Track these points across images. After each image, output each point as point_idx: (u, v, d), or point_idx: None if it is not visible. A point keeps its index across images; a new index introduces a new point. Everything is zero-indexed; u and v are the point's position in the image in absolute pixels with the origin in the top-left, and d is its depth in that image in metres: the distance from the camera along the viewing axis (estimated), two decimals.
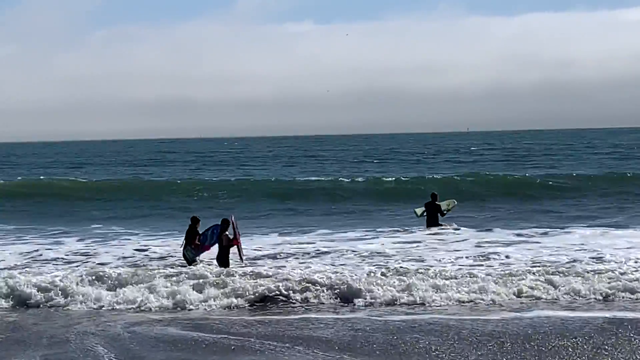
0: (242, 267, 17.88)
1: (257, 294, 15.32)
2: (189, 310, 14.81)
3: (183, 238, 19.13)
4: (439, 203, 25.03)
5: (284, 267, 17.98)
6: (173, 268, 17.81)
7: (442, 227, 24.42)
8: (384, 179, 42.45)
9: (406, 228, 24.81)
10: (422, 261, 18.78)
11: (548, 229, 24.04)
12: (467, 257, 19.14)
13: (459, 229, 24.20)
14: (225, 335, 12.77)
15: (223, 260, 18.10)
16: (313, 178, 45.25)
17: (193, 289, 15.54)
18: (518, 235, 23.02)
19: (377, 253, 20.01)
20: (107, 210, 32.53)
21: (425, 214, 25.09)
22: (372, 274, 16.55)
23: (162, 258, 19.80)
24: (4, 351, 11.94)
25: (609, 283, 15.69)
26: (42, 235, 24.49)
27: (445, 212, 25.07)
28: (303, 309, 14.77)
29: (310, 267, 17.91)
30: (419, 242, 21.97)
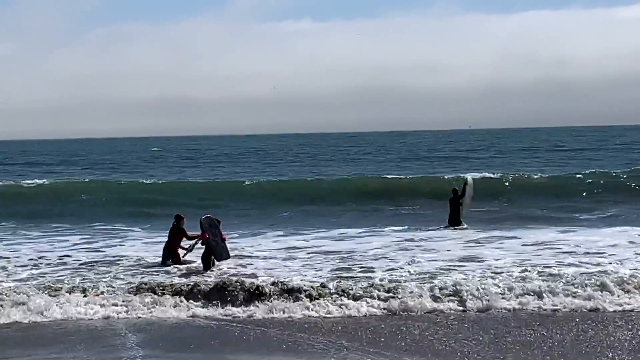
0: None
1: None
2: None
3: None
4: (462, 199, 25.25)
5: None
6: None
7: (462, 227, 24.76)
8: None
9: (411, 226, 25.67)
10: (395, 261, 19.26)
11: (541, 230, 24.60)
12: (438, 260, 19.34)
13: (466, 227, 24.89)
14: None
15: (204, 257, 18.74)
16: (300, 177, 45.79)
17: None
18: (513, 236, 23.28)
19: (350, 253, 20.46)
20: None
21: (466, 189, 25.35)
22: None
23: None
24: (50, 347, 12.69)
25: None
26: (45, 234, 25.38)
27: (463, 193, 25.24)
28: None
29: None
30: (411, 240, 22.73)
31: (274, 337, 13.01)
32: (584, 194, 35.38)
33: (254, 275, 17.75)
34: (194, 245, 19.44)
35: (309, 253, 20.95)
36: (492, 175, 40.25)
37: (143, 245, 22.68)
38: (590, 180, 38.12)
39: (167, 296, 15.30)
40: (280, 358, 11.83)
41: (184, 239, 19.60)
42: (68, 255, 21.04)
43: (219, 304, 14.90)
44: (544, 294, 15.13)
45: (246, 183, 40.26)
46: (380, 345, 12.45)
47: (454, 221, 25.17)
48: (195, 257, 19.51)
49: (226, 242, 19.69)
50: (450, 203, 25.57)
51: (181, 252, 19.47)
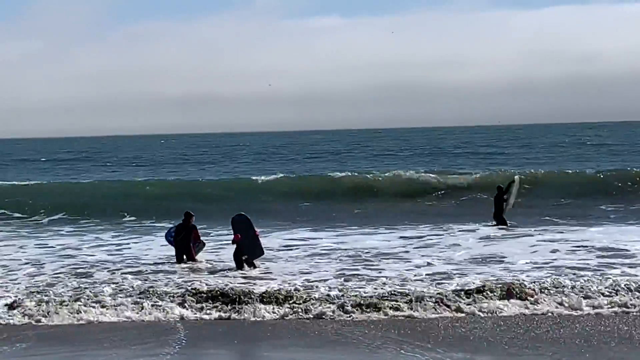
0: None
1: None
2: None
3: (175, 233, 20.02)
4: (506, 195, 25.67)
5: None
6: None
7: (507, 226, 25.03)
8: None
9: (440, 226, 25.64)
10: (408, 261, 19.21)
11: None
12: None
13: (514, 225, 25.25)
14: None
15: (236, 256, 18.91)
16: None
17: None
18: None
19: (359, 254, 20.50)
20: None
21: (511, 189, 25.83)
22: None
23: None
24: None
25: None
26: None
27: (506, 191, 25.71)
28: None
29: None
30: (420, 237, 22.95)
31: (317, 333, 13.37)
32: (612, 190, 35.03)
33: (282, 274, 17.94)
34: (200, 245, 20.09)
35: (330, 250, 21.21)
36: (518, 171, 39.72)
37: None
38: (617, 176, 37.79)
39: (191, 298, 15.39)
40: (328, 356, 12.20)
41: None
42: (95, 254, 21.64)
43: (256, 305, 14.96)
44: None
45: (270, 179, 40.12)
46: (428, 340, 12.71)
47: (499, 219, 25.45)
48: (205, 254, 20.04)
49: (259, 238, 19.72)
50: (495, 200, 25.86)
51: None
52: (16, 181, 43.20)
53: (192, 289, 15.88)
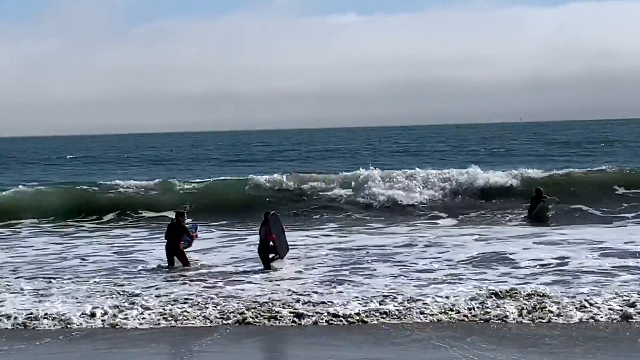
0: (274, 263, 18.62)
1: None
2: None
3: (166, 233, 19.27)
4: (544, 198, 27.14)
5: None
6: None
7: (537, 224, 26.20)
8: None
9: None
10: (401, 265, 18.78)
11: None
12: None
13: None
14: None
15: (262, 253, 18.55)
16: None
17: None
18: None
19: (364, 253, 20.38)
20: None
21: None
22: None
23: None
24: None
25: None
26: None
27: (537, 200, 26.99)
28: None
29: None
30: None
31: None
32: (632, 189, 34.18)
33: (295, 276, 17.75)
34: (186, 244, 19.54)
35: (343, 250, 21.15)
36: (530, 171, 39.07)
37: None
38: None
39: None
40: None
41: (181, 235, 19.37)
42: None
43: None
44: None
45: (276, 177, 39.19)
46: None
47: (531, 217, 27.04)
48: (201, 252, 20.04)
49: (285, 233, 19.60)
50: (531, 201, 27.36)
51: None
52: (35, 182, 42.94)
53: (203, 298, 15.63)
